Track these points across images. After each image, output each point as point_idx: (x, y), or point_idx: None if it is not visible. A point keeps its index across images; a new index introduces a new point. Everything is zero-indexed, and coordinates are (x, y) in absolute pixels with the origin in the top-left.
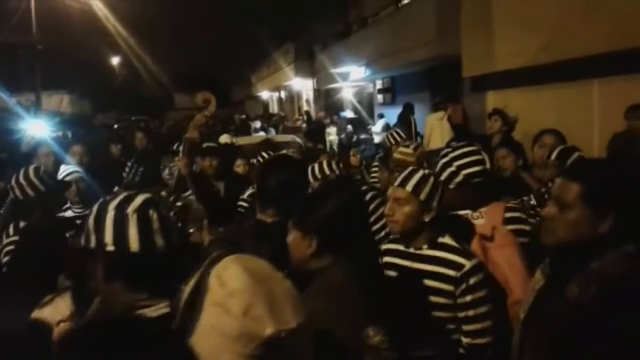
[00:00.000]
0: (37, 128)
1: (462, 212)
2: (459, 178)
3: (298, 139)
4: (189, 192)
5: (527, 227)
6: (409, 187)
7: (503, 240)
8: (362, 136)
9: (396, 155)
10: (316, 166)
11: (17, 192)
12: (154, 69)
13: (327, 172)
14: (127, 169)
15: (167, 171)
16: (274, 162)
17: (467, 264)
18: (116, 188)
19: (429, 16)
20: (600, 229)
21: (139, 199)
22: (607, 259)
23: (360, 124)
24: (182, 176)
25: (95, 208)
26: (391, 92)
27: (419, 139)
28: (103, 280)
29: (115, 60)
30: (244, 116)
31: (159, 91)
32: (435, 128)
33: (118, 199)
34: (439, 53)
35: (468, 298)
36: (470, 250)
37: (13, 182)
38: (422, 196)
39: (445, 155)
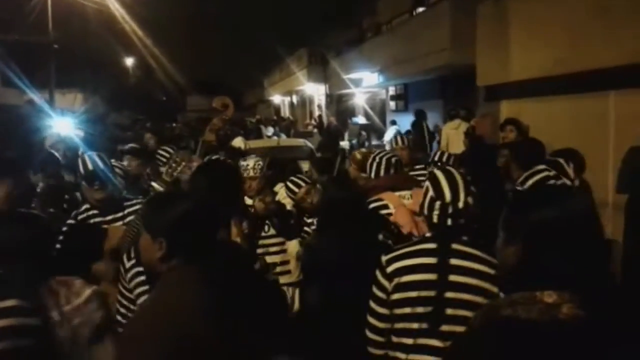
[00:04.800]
0: (62, 125)
1: (398, 193)
2: (383, 165)
3: (309, 144)
4: None
5: None
6: None
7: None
8: (374, 142)
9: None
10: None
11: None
12: (167, 71)
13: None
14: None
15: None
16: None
17: None
18: None
19: (444, 24)
20: (158, 254)
21: None
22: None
23: (372, 130)
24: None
25: None
26: (404, 99)
27: (435, 145)
28: None
29: (129, 61)
30: (258, 117)
31: (171, 92)
32: (452, 136)
33: None
34: (453, 61)
35: None
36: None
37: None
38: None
39: (373, 159)
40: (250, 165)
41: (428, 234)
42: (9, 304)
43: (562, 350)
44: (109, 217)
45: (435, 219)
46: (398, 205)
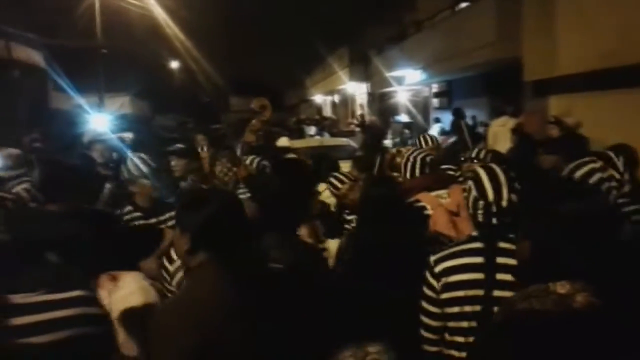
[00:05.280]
0: (100, 122)
1: (435, 193)
2: (417, 164)
3: (352, 142)
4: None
5: None
6: None
7: (466, 214)
8: None
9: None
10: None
11: None
12: (210, 73)
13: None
14: None
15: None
16: None
17: None
18: None
19: (489, 19)
20: (185, 247)
21: None
22: None
23: (415, 128)
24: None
25: None
26: (447, 96)
27: (482, 143)
28: None
29: (173, 64)
30: (299, 117)
31: (215, 94)
32: (498, 134)
33: None
34: (498, 56)
35: None
36: None
37: None
38: None
39: (407, 159)
40: None
41: (474, 233)
42: (76, 294)
43: (579, 338)
44: (153, 220)
45: (480, 218)
46: (435, 207)
